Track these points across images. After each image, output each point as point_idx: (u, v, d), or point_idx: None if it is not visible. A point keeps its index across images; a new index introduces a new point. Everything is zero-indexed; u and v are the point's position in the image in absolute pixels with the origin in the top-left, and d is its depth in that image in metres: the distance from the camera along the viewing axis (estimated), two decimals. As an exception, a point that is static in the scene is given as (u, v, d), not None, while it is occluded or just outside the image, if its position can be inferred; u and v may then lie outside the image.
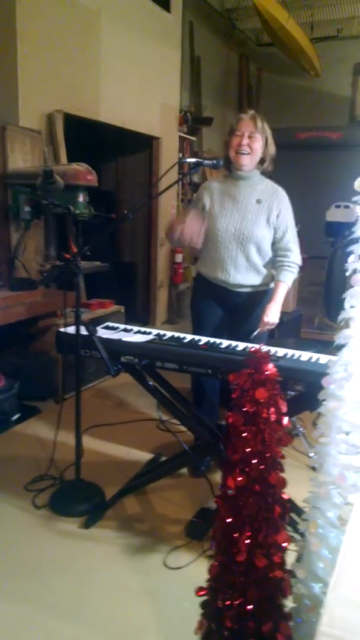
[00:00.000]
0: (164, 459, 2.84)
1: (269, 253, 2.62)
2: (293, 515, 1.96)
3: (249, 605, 1.34)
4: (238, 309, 2.70)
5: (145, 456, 2.93)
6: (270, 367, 1.35)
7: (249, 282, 2.62)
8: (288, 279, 2.62)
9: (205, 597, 1.46)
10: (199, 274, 2.79)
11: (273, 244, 2.62)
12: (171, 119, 5.60)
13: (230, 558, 1.35)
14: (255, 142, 2.52)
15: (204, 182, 2.70)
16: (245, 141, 2.50)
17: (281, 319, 2.64)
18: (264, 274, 2.64)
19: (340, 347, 1.42)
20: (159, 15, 5.18)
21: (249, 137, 2.50)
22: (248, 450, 1.32)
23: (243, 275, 2.60)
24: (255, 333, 2.57)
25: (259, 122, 2.52)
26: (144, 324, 2.31)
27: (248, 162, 2.54)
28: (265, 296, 2.67)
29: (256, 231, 2.54)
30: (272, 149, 2.59)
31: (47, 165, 3.47)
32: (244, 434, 1.32)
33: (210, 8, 6.66)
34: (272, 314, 2.59)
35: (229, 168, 2.61)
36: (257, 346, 1.51)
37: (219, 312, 2.74)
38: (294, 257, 2.62)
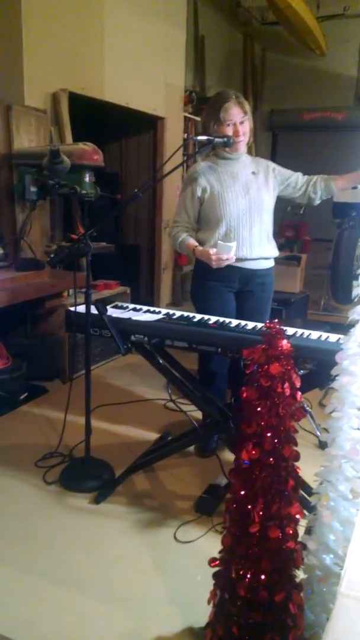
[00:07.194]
0: (171, 437, 2.87)
1: (272, 219, 2.67)
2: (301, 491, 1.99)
3: (262, 575, 1.37)
4: (246, 291, 2.66)
5: (153, 435, 2.96)
6: (285, 343, 1.36)
7: (267, 253, 2.63)
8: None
9: (218, 568, 1.49)
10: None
11: (293, 187, 2.66)
12: (176, 99, 5.53)
13: (243, 529, 1.38)
14: (246, 126, 2.54)
15: (193, 165, 2.66)
16: (240, 130, 2.50)
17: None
18: (274, 243, 2.68)
19: (353, 324, 1.44)
20: (164, -7, 5.09)
21: (241, 123, 2.51)
22: (262, 424, 1.33)
23: (261, 246, 2.60)
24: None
25: (245, 105, 2.52)
26: (149, 306, 2.31)
27: (244, 147, 2.58)
28: (270, 277, 2.68)
29: (262, 197, 2.58)
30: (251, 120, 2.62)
31: (54, 144, 3.44)
32: (258, 408, 1.34)
33: (215, -15, 6.55)
34: None
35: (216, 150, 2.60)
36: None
37: (230, 297, 2.66)
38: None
